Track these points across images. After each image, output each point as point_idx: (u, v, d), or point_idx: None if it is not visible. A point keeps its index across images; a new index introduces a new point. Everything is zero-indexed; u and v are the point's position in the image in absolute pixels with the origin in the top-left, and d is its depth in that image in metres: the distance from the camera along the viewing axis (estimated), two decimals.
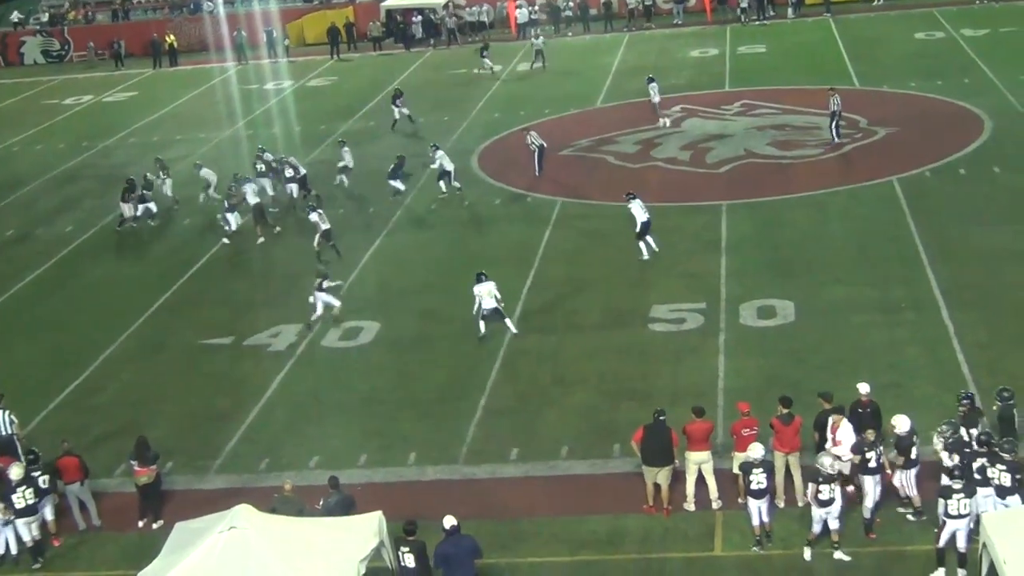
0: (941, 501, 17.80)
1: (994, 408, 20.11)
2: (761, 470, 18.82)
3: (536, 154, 38.58)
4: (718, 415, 22.37)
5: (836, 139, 38.66)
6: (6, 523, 20.37)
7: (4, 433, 22.85)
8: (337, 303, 28.86)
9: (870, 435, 19.05)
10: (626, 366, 25.38)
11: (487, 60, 54.15)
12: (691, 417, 20.27)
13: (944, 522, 17.77)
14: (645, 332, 26.86)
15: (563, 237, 32.16)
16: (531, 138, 38.91)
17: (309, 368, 27.01)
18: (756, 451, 19.00)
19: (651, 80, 44.47)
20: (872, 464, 18.83)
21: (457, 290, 30.05)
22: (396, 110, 46.32)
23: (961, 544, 17.71)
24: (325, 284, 28.68)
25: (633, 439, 20.28)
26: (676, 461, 20.10)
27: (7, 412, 23.04)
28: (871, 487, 18.90)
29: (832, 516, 18.44)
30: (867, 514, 19.00)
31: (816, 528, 18.60)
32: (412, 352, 27.19)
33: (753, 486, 18.80)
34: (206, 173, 39.40)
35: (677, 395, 23.39)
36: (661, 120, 43.00)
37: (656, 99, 43.78)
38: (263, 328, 28.98)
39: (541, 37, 57.08)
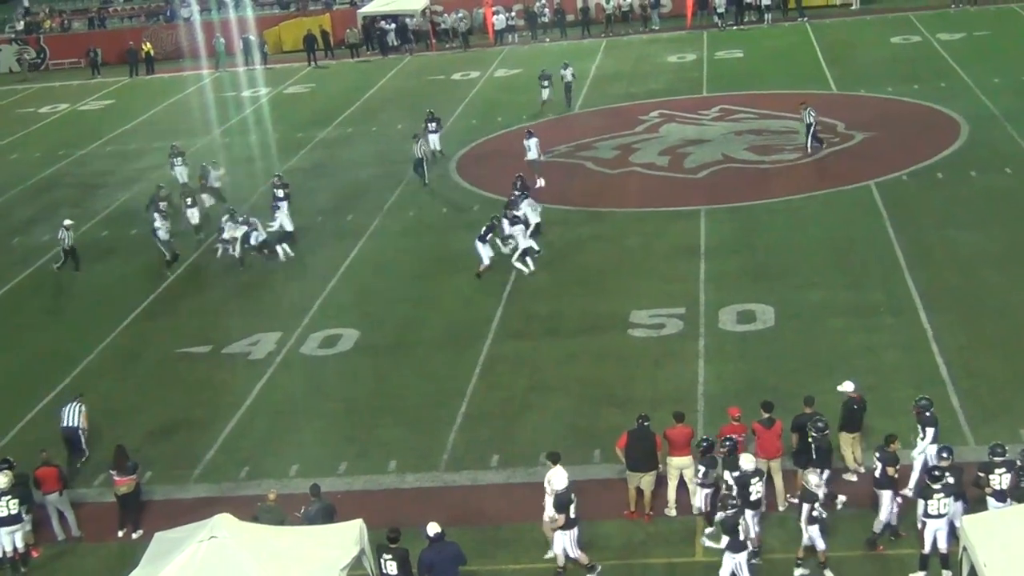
0: (921, 502, 17.81)
1: (810, 440, 19.46)
2: (758, 479, 18.80)
3: (423, 161, 38.87)
4: (698, 420, 22.42)
5: (810, 151, 38.14)
6: None
7: (71, 424, 23.51)
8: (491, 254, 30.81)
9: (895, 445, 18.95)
10: (606, 372, 25.38)
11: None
12: (671, 422, 20.31)
13: (924, 523, 17.81)
14: (625, 338, 26.86)
15: (542, 243, 32.11)
16: (420, 145, 39.08)
17: (288, 376, 26.92)
18: (748, 462, 18.85)
19: (530, 134, 38.30)
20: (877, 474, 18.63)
21: (435, 297, 30.12)
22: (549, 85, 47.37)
23: (942, 545, 17.75)
24: (489, 235, 30.79)
25: (617, 445, 20.27)
26: (660, 466, 20.10)
27: (80, 404, 23.79)
28: (887, 501, 18.68)
29: (817, 535, 18.24)
30: (877, 528, 18.83)
31: (806, 543, 18.42)
32: (391, 359, 27.13)
33: (753, 496, 18.70)
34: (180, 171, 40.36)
35: (657, 400, 23.35)
36: (540, 180, 37.22)
37: (534, 155, 37.80)
38: (241, 336, 28.89)
39: (570, 68, 47.98)
